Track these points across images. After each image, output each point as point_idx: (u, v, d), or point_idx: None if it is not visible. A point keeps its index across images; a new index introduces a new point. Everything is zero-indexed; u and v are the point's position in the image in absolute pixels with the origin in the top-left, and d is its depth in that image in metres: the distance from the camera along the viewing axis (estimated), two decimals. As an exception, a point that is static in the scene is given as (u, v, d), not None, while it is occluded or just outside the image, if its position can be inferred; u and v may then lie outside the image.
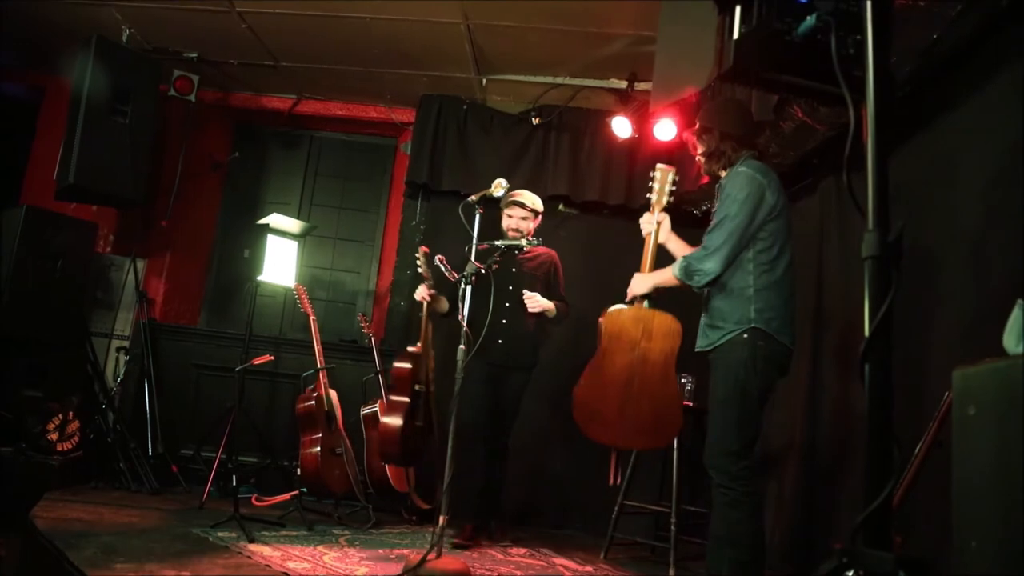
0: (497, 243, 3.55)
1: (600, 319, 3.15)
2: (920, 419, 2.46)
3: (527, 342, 4.08)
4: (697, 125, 3.01)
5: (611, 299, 3.40)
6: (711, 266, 2.74)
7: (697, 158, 3.04)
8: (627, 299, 3.12)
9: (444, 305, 4.21)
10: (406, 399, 4.14)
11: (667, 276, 2.95)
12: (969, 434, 1.24)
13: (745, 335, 2.71)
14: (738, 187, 2.77)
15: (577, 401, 3.13)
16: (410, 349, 4.22)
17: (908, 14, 2.56)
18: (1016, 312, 1.29)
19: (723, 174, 2.92)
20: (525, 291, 3.98)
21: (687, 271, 2.82)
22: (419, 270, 4.03)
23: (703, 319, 2.89)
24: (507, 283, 3.98)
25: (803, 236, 3.91)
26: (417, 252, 4.02)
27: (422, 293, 4.08)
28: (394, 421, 4.06)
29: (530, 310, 3.97)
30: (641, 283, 3.07)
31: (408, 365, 4.17)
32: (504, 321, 3.99)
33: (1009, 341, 1.29)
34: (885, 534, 1.24)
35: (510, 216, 4.05)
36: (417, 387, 4.17)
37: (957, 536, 1.23)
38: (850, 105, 1.38)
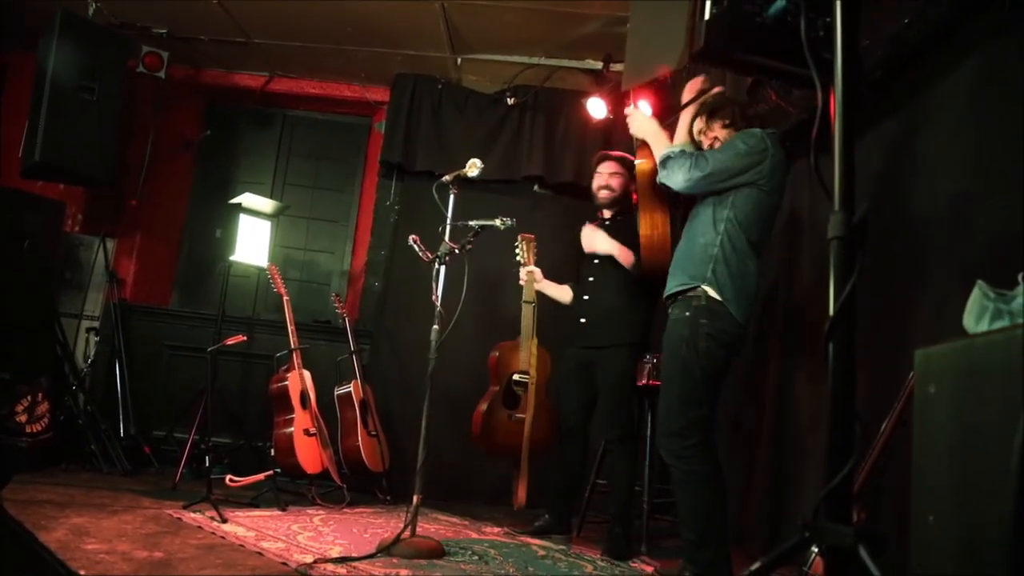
0: (471, 223, 3.54)
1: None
2: (893, 398, 2.51)
3: (618, 316, 3.68)
4: (711, 93, 3.01)
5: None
6: (679, 178, 2.76)
7: (699, 132, 3.02)
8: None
9: (560, 294, 4.05)
10: (496, 388, 4.11)
11: (658, 143, 2.94)
12: (929, 412, 1.27)
13: (687, 313, 2.72)
14: (752, 142, 2.76)
15: None
16: (539, 350, 4.16)
17: (880, -2, 2.59)
18: (975, 292, 1.32)
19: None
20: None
21: (664, 160, 2.82)
22: (517, 257, 4.02)
23: (674, 259, 2.92)
24: (590, 256, 3.80)
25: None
26: (517, 241, 4.03)
27: (523, 276, 4.03)
28: (480, 406, 4.11)
29: (587, 250, 3.76)
30: (643, 126, 3.04)
31: (495, 353, 4.16)
32: (586, 297, 3.80)
33: (969, 321, 1.32)
34: (846, 509, 1.27)
35: (600, 174, 3.88)
36: (517, 377, 4.06)
37: (916, 511, 1.26)
38: (818, 87, 1.40)
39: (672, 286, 2.83)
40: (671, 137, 3.01)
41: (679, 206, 3.19)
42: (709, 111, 2.98)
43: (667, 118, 3.28)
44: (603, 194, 3.84)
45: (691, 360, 2.69)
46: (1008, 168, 2.30)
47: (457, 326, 3.31)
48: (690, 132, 2.97)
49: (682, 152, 2.80)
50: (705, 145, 3.00)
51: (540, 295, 4.06)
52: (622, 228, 3.71)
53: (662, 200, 3.16)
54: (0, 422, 4.06)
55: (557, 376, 3.99)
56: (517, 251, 4.05)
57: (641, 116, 3.06)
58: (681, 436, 2.68)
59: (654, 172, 2.95)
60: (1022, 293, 1.29)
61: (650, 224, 3.19)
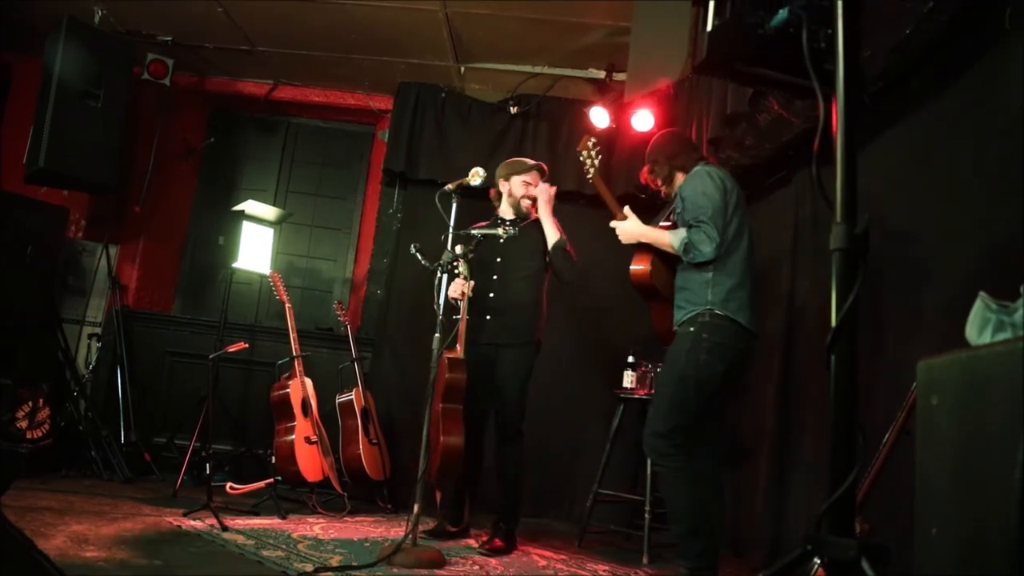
0: (473, 231, 3.55)
1: None
2: (895, 409, 2.50)
3: (520, 315, 3.71)
4: (647, 166, 3.28)
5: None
6: (708, 250, 2.89)
7: (660, 188, 3.30)
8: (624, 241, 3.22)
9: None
10: (460, 407, 3.59)
11: (661, 240, 3.08)
12: (931, 424, 1.27)
13: (691, 328, 2.92)
14: (702, 183, 2.99)
15: None
16: (452, 356, 3.57)
17: (881, 10, 2.59)
18: (978, 303, 1.31)
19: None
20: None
21: (686, 247, 2.94)
22: (457, 271, 3.58)
23: (675, 299, 3.09)
24: (496, 255, 3.80)
25: (777, 227, 3.96)
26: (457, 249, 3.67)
27: (459, 289, 3.60)
28: (458, 440, 3.49)
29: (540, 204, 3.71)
30: (631, 232, 3.17)
31: (463, 375, 3.57)
32: (492, 295, 3.76)
33: (971, 332, 1.32)
34: (849, 521, 1.27)
35: (528, 183, 3.83)
36: None
37: (919, 523, 1.26)
38: (820, 98, 1.40)
39: (679, 317, 3.01)
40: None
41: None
42: (672, 167, 3.21)
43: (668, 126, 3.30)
44: (525, 203, 3.84)
45: (688, 370, 2.89)
46: (1008, 179, 2.29)
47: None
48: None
49: (686, 231, 2.96)
50: (664, 193, 3.29)
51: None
52: (528, 233, 3.74)
53: (664, 294, 3.18)
54: (0, 427, 4.05)
55: None
56: (457, 269, 3.78)
57: (626, 225, 3.18)
58: (666, 438, 2.88)
59: (649, 274, 3.14)
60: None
61: (660, 318, 3.24)
